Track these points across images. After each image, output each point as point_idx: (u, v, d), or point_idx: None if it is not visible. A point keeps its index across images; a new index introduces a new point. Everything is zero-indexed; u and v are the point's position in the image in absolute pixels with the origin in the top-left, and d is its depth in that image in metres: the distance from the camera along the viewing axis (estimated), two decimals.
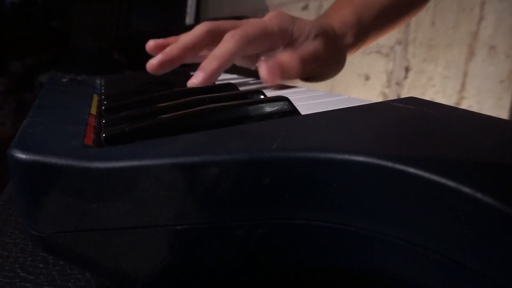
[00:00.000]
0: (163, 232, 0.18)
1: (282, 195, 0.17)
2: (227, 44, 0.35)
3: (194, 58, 0.40)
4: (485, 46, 0.76)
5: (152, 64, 0.37)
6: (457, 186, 0.13)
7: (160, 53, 0.37)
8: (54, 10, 1.46)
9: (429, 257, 0.15)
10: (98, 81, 0.41)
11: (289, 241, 0.18)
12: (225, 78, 0.42)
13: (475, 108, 0.79)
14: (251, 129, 0.20)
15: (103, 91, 0.36)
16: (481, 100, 0.78)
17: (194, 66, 0.37)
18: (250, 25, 0.37)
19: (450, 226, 0.14)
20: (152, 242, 0.18)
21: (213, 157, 0.17)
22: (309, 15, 1.04)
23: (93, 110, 0.26)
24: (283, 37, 0.39)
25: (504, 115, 0.73)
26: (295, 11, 1.08)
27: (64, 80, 0.38)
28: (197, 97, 0.28)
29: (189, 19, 1.47)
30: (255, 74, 0.41)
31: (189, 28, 0.39)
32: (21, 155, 0.17)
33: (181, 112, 0.23)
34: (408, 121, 0.20)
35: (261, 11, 1.25)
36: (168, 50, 0.37)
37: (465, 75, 0.80)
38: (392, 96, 0.95)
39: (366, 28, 0.46)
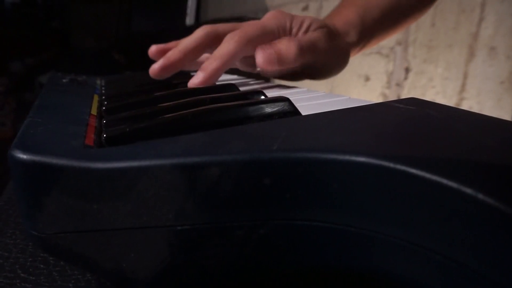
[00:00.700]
0: (164, 233, 0.18)
1: (283, 196, 0.17)
2: (227, 45, 0.35)
3: (196, 64, 0.40)
4: (485, 47, 0.76)
5: (154, 69, 0.37)
6: (458, 186, 0.13)
7: (162, 58, 0.37)
8: (54, 11, 1.46)
9: (430, 258, 0.15)
10: (98, 82, 0.41)
11: (290, 242, 0.18)
12: (226, 78, 0.42)
13: (475, 109, 0.79)
14: (252, 129, 0.20)
15: (103, 91, 0.36)
16: (482, 101, 0.78)
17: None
18: (249, 26, 0.37)
19: (451, 226, 0.14)
20: (152, 242, 0.18)
21: (213, 158, 0.17)
22: None
23: (94, 111, 0.26)
24: (282, 35, 0.38)
25: (505, 116, 0.73)
26: (295, 12, 1.08)
27: (64, 80, 0.38)
28: (198, 97, 0.28)
29: (189, 20, 1.47)
30: (255, 75, 0.41)
31: (190, 28, 0.39)
32: (22, 156, 0.17)
33: (181, 112, 0.23)
34: (408, 122, 0.20)
35: (261, 12, 1.25)
36: (169, 54, 0.37)
37: (465, 76, 0.80)
38: (392, 97, 0.95)
39: (370, 28, 0.46)
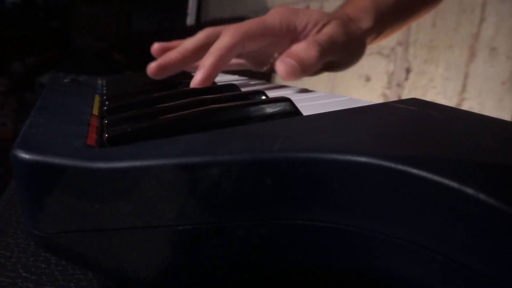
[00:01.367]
0: (165, 232, 0.18)
1: (284, 196, 0.17)
2: (223, 39, 0.35)
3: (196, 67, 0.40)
4: (486, 47, 0.76)
5: (151, 67, 0.37)
6: (459, 186, 0.13)
7: (160, 57, 0.37)
8: (55, 11, 1.46)
9: (431, 258, 0.15)
10: (99, 82, 0.41)
11: (291, 242, 0.18)
12: (227, 79, 0.42)
13: (476, 110, 0.79)
14: (253, 129, 0.20)
15: (104, 91, 0.36)
16: (482, 101, 0.78)
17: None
18: (249, 21, 0.36)
19: (452, 226, 0.14)
20: (154, 242, 0.18)
21: (215, 158, 0.17)
22: None
23: (95, 111, 0.26)
24: (287, 31, 0.37)
25: (506, 116, 0.73)
26: None
27: (65, 80, 0.38)
28: (199, 97, 0.28)
29: (190, 20, 1.47)
30: (256, 75, 0.41)
31: (190, 28, 0.39)
32: (24, 155, 0.17)
33: (183, 112, 0.23)
34: (410, 122, 0.20)
35: (262, 12, 1.25)
36: (167, 54, 0.37)
37: (466, 76, 0.80)
38: (392, 97, 0.95)
39: (384, 15, 0.43)
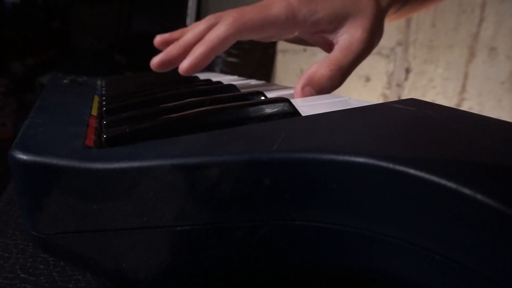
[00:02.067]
0: (164, 233, 0.18)
1: (283, 196, 0.17)
2: (218, 28, 0.33)
3: None
4: (485, 47, 0.76)
5: (154, 63, 0.37)
6: (457, 187, 0.13)
7: (162, 52, 0.37)
8: (54, 11, 1.46)
9: (429, 258, 0.15)
10: (99, 82, 0.41)
11: (290, 242, 0.18)
12: (226, 79, 0.42)
13: (475, 110, 0.79)
14: (251, 130, 0.20)
15: (103, 92, 0.36)
16: (482, 101, 0.78)
17: None
18: (251, 10, 0.33)
19: (450, 227, 0.14)
20: (152, 243, 0.18)
21: (213, 158, 0.17)
22: None
23: (94, 111, 0.26)
24: (294, 24, 0.34)
25: (505, 117, 0.73)
26: None
27: (65, 81, 0.38)
28: (198, 98, 0.28)
29: (189, 20, 1.47)
30: (256, 75, 0.41)
31: None
32: (22, 156, 0.17)
33: (182, 113, 0.23)
34: (408, 123, 0.20)
35: None
36: (169, 49, 0.37)
37: (465, 76, 0.80)
38: (392, 98, 0.95)
39: None
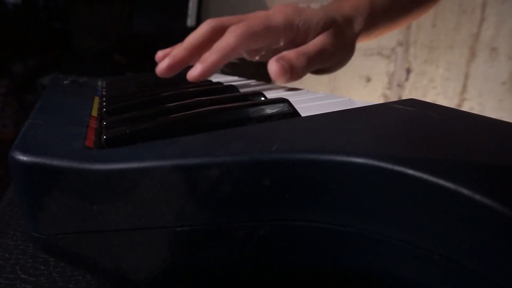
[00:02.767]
0: (164, 234, 0.18)
1: (283, 197, 0.17)
2: (229, 38, 0.35)
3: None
4: (486, 47, 0.76)
5: (161, 68, 0.37)
6: (456, 187, 0.13)
7: (168, 57, 0.38)
8: (55, 12, 1.46)
9: (429, 258, 0.15)
10: (99, 83, 0.41)
11: (290, 242, 0.18)
12: (226, 80, 0.42)
13: (476, 110, 0.79)
14: (251, 130, 0.20)
15: (104, 93, 0.36)
16: (483, 102, 0.78)
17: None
18: (255, 19, 0.37)
19: (449, 227, 0.14)
20: (152, 243, 0.18)
21: (213, 159, 0.17)
22: None
23: (94, 112, 0.26)
24: (289, 32, 0.38)
25: (506, 117, 0.73)
26: None
27: (65, 82, 0.38)
28: (198, 99, 0.28)
29: (190, 21, 1.47)
30: (256, 76, 0.41)
31: (191, 30, 0.39)
32: (23, 157, 0.17)
33: (182, 114, 0.23)
34: (408, 123, 0.20)
35: None
36: (174, 53, 0.38)
37: (466, 76, 0.80)
38: (393, 98, 0.95)
39: (378, 15, 0.44)
